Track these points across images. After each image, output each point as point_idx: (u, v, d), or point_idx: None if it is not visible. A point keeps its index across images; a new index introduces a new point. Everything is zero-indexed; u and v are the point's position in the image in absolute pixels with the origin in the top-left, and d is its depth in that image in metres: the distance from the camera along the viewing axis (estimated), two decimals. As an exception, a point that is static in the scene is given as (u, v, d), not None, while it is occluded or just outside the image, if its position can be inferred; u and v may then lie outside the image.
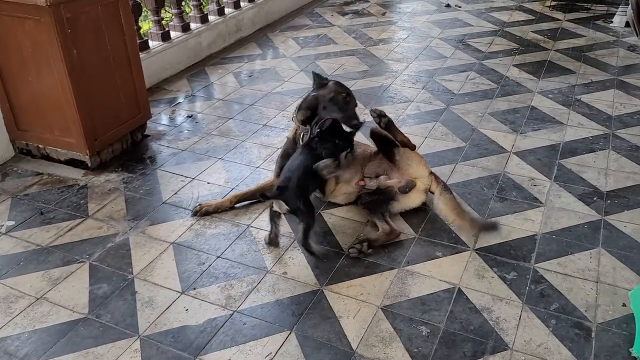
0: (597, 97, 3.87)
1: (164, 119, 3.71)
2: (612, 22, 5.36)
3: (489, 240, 2.52)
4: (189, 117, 3.72)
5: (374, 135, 2.76)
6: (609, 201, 2.76)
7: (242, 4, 5.13)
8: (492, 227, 2.52)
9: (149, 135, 3.45)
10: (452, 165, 3.10)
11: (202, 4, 4.66)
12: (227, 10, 4.95)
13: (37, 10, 2.60)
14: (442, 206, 2.56)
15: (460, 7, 5.95)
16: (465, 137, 3.40)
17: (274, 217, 2.46)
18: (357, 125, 2.53)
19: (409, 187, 2.63)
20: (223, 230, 2.62)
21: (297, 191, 2.33)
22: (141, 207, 2.78)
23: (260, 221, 2.68)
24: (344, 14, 5.82)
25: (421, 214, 2.71)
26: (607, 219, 2.64)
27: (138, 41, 3.91)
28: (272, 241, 2.49)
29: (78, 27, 2.74)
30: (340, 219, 2.70)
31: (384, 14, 5.82)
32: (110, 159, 3.16)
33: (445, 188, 2.63)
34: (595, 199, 2.79)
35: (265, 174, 3.07)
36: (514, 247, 2.48)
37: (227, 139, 3.42)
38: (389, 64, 4.56)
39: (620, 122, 3.52)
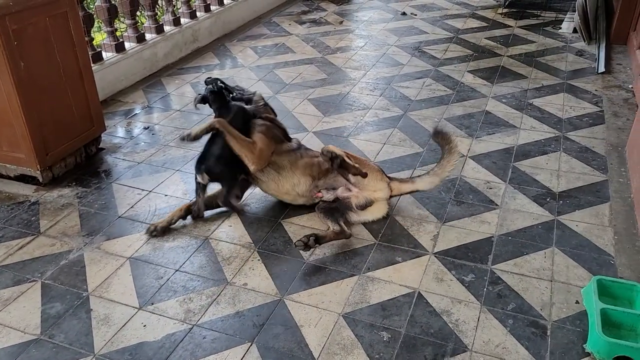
0: (548, 101, 3.99)
1: (120, 132, 3.63)
2: (560, 28, 5.56)
3: (447, 243, 2.55)
4: (145, 128, 3.65)
5: (326, 158, 2.63)
6: (561, 201, 2.85)
7: (198, 14, 5.10)
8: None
9: (104, 149, 3.37)
10: (411, 170, 3.14)
11: (157, 14, 4.60)
12: (183, 21, 4.90)
13: (-20, 21, 2.52)
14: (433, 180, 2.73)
15: (415, 15, 6.06)
16: (423, 143, 3.45)
17: (199, 189, 2.69)
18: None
19: (366, 205, 2.67)
20: (181, 243, 2.58)
21: (214, 161, 2.63)
22: (96, 222, 2.71)
23: (219, 232, 2.65)
24: (301, 22, 5.85)
25: (381, 220, 2.73)
26: (559, 219, 2.72)
27: (91, 53, 3.84)
28: (198, 213, 2.71)
29: (25, 38, 2.66)
30: (300, 227, 2.69)
31: (341, 22, 5.88)
32: (63, 174, 3.07)
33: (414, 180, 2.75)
34: (548, 199, 2.87)
35: (225, 185, 3.04)
36: (472, 250, 2.52)
37: (184, 151, 3.38)
38: (347, 71, 4.60)
39: (570, 125, 3.64)
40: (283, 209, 2.82)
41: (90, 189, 2.97)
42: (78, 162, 3.17)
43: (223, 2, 5.45)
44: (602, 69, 4.48)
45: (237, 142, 2.61)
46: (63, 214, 2.76)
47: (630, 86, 4.18)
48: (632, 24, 4.87)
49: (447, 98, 4.08)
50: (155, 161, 3.25)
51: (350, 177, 2.65)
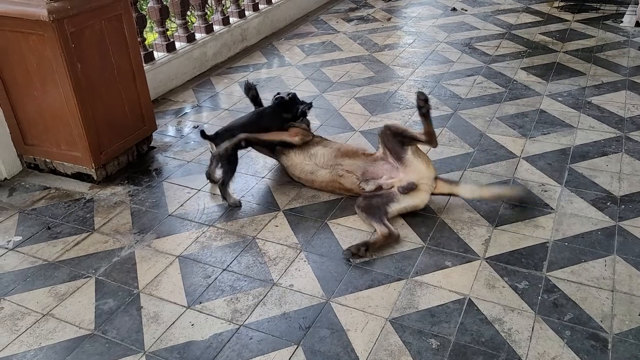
0: (609, 99, 3.80)
1: (171, 130, 3.70)
2: (622, 21, 5.29)
3: (499, 248, 2.47)
4: (195, 127, 3.71)
5: (388, 130, 2.73)
6: (623, 206, 2.70)
7: (246, 13, 5.14)
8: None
9: (155, 147, 3.44)
10: (461, 171, 3.06)
11: (207, 14, 4.66)
12: (232, 20, 4.95)
13: (40, 25, 2.61)
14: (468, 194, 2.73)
15: (466, 10, 5.90)
16: (474, 143, 3.35)
17: (212, 158, 2.95)
18: (309, 106, 3.12)
19: (409, 188, 2.62)
20: (229, 242, 2.60)
21: (226, 137, 2.85)
22: (147, 220, 2.77)
23: (266, 232, 2.65)
24: (349, 20, 5.80)
25: (429, 222, 2.66)
26: (621, 224, 2.58)
27: (143, 53, 3.93)
28: (210, 176, 2.99)
29: (82, 41, 2.74)
30: (346, 229, 2.66)
31: (389, 19, 5.79)
32: (116, 172, 3.16)
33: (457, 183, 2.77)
34: (608, 204, 2.73)
35: (271, 184, 3.05)
36: (525, 256, 2.42)
37: (233, 150, 3.40)
38: (395, 69, 4.53)
39: (633, 124, 3.45)
40: (329, 209, 2.80)
41: (142, 187, 3.04)
42: (130, 161, 3.25)
43: (271, 1, 5.47)
44: (667, 64, 4.23)
45: (272, 135, 2.95)
46: (116, 211, 2.84)
47: (699, 83, 3.93)
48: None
49: (499, 96, 3.94)
50: (204, 160, 3.29)
51: (405, 151, 2.68)
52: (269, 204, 2.87)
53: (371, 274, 2.37)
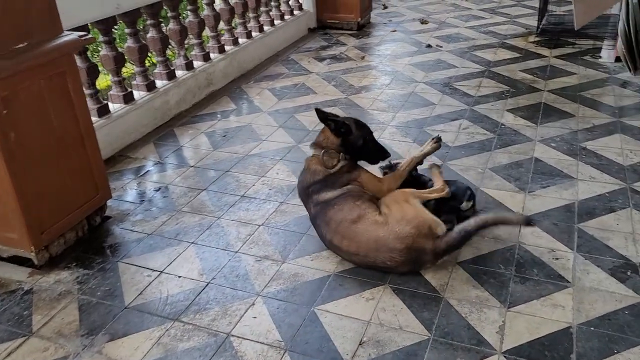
0: (604, 144, 3.56)
1: (129, 194, 3.27)
2: (600, 57, 5.15)
3: (517, 338, 2.11)
4: (156, 190, 3.29)
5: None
6: (645, 276, 2.40)
7: (212, 55, 4.78)
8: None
9: (110, 217, 3.00)
10: (460, 237, 2.72)
11: (168, 59, 4.28)
12: (196, 64, 4.58)
13: (-36, 89, 2.18)
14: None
15: (441, 47, 5.69)
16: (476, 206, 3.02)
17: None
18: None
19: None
20: (198, 343, 2.17)
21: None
22: (98, 315, 2.32)
23: (242, 327, 2.24)
24: (321, 59, 5.52)
25: (432, 305, 2.30)
26: (648, 300, 2.27)
27: (96, 106, 3.54)
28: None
29: (16, 105, 2.32)
30: (337, 317, 2.27)
31: (363, 57, 5.53)
32: (62, 252, 2.70)
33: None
34: (629, 273, 2.42)
35: (246, 259, 2.64)
36: (548, 346, 2.08)
37: (200, 217, 2.99)
38: (374, 114, 4.22)
39: (635, 174, 3.20)
40: (316, 291, 2.41)
41: (93, 271, 2.59)
42: (80, 237, 2.80)
43: (238, 42, 5.14)
44: (657, 103, 4.05)
45: None
46: (60, 305, 2.38)
47: (694, 124, 3.74)
48: (686, 52, 4.43)
49: (489, 143, 3.66)
50: (167, 232, 2.87)
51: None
52: (244, 288, 2.46)
53: (371, 379, 1.98)
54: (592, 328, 2.15)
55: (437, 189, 2.67)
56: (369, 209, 2.50)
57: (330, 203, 2.56)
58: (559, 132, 3.76)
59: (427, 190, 2.66)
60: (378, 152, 2.79)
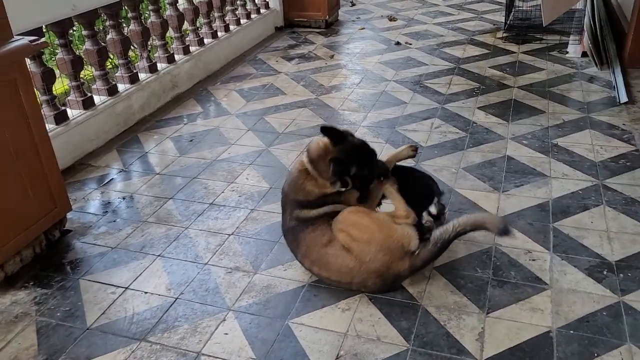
0: (575, 140, 3.56)
1: (92, 206, 3.11)
2: (567, 52, 5.19)
3: (497, 345, 2.06)
4: (120, 200, 3.14)
5: None
6: (621, 275, 2.38)
7: (176, 57, 4.62)
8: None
9: (70, 231, 2.85)
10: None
11: (130, 61, 4.11)
12: (160, 66, 4.42)
13: None
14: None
15: (410, 44, 5.65)
16: (444, 201, 2.97)
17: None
18: None
19: None
20: (166, 364, 2.05)
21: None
22: (58, 338, 2.18)
23: (213, 345, 2.13)
24: (289, 59, 5.41)
25: (410, 313, 2.23)
26: (625, 300, 2.25)
27: (53, 113, 3.37)
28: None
29: (-39, 117, 2.15)
30: (313, 330, 2.18)
31: (332, 56, 5.44)
32: (18, 271, 2.54)
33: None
34: (605, 272, 2.41)
35: (216, 271, 2.53)
36: (529, 352, 2.03)
37: (166, 227, 2.86)
38: (345, 114, 4.15)
39: (607, 170, 3.20)
40: (290, 303, 2.32)
41: (52, 290, 2.44)
42: (38, 253, 2.64)
43: (203, 42, 4.98)
44: (624, 98, 4.08)
45: None
46: (17, 329, 2.23)
47: (661, 118, 3.78)
48: (651, 47, 4.50)
49: (461, 142, 3.62)
50: (132, 244, 2.73)
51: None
52: (215, 302, 2.35)
53: (350, 396, 1.90)
54: (571, 331, 2.11)
55: (399, 215, 2.37)
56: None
57: (307, 222, 2.35)
58: (530, 129, 3.75)
59: (388, 213, 2.42)
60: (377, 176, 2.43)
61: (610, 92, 4.24)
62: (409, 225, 2.33)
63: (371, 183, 2.41)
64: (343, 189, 2.34)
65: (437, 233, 2.26)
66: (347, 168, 2.27)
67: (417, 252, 2.26)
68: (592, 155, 3.38)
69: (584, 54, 5.02)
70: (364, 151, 2.36)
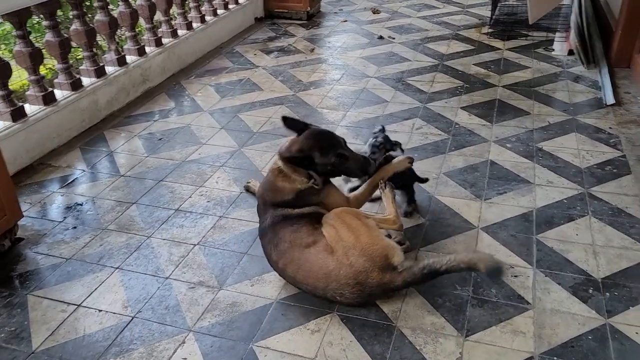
0: (560, 144, 3.43)
1: (48, 210, 2.91)
2: (553, 49, 5.06)
3: (476, 373, 1.93)
4: (79, 205, 2.94)
5: None
6: (607, 294, 2.26)
7: (147, 49, 4.39)
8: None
9: (22, 239, 2.64)
10: (413, 253, 2.51)
11: (96, 54, 3.87)
12: (129, 59, 4.19)
13: None
14: None
15: (393, 39, 5.47)
16: (423, 211, 2.83)
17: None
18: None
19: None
20: (117, 395, 1.88)
21: None
22: (0, 364, 1.99)
23: (170, 371, 1.96)
24: (268, 52, 5.20)
25: (384, 335, 2.09)
26: (611, 322, 2.12)
27: (11, 109, 3.13)
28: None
29: None
30: (279, 355, 2.02)
31: (312, 50, 5.25)
32: (-38, 286, 2.34)
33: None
34: (590, 291, 2.28)
35: (178, 287, 2.35)
36: (510, 381, 1.90)
37: (127, 236, 2.68)
38: (324, 113, 3.97)
39: (593, 177, 3.08)
40: (255, 324, 2.15)
41: (-3, 308, 2.25)
42: (-16, 266, 2.44)
43: (177, 34, 4.75)
44: (611, 100, 3.96)
45: None
46: (-46, 353, 2.04)
47: (648, 122, 3.67)
48: (639, 46, 4.37)
49: (443, 145, 3.47)
50: (89, 255, 2.54)
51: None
52: (174, 322, 2.17)
53: None
54: (555, 358, 1.98)
55: (388, 219, 2.37)
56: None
57: (288, 219, 2.25)
58: (515, 132, 3.61)
59: (378, 218, 2.37)
60: (357, 167, 2.38)
61: (596, 93, 4.12)
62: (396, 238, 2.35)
63: (347, 173, 2.42)
64: (317, 186, 2.32)
65: (429, 260, 2.12)
66: (310, 154, 2.27)
67: (400, 269, 2.12)
68: (578, 160, 3.25)
69: (570, 52, 4.90)
70: (325, 137, 2.36)
